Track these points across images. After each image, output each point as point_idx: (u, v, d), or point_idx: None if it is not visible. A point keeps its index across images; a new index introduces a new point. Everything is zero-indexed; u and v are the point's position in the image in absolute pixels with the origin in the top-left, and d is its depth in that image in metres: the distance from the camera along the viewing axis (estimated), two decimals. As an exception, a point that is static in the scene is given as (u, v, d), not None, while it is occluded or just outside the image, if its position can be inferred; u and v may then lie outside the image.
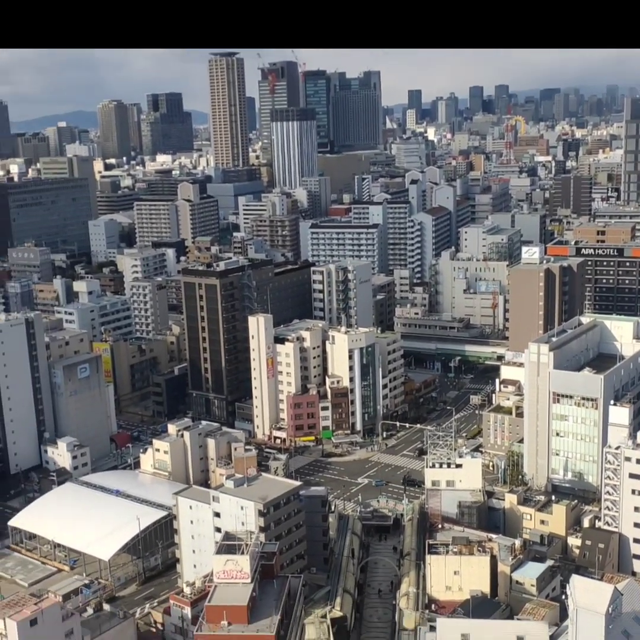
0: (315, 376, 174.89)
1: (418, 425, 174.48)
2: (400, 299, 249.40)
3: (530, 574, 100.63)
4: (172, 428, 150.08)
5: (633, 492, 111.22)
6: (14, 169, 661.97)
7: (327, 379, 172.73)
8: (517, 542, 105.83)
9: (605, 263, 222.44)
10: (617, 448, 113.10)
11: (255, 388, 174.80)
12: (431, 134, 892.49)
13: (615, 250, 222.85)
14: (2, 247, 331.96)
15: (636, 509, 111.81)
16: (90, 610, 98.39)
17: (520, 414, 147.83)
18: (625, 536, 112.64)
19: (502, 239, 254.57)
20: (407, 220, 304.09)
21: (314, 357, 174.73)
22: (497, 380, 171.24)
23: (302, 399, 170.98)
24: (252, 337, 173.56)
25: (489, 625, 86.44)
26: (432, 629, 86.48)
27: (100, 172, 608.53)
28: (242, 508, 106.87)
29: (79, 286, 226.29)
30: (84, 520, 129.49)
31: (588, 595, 73.34)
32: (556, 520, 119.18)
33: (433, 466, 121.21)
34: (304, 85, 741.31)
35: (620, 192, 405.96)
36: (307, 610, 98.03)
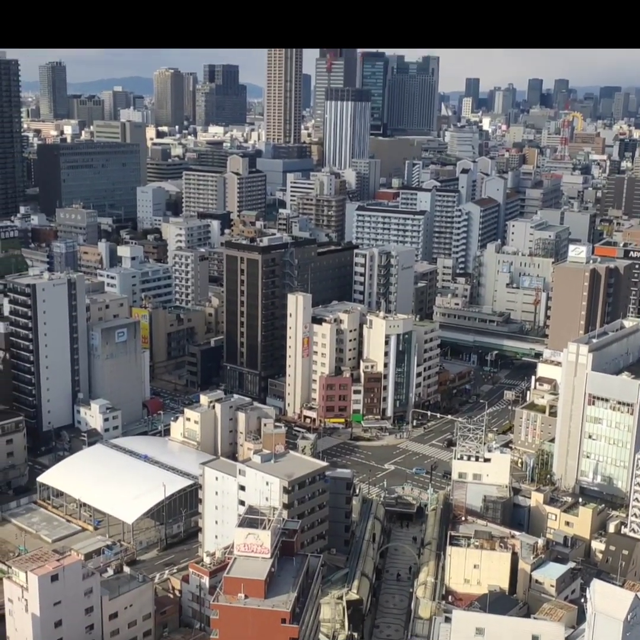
0: (349, 359, 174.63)
1: (449, 416, 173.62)
2: (442, 288, 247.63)
3: (550, 574, 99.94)
4: (204, 399, 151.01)
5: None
6: (68, 130, 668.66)
7: (361, 362, 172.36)
8: (540, 542, 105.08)
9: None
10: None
11: (289, 366, 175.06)
12: (486, 124, 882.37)
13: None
14: (50, 206, 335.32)
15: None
16: (110, 571, 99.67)
17: (553, 413, 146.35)
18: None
19: (550, 236, 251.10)
20: (455, 209, 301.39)
21: (350, 340, 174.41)
22: (533, 378, 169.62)
23: (335, 380, 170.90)
24: (290, 315, 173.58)
25: (504, 622, 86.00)
26: (448, 620, 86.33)
27: (152, 139, 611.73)
28: (267, 483, 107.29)
29: (123, 251, 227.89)
30: (110, 482, 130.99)
31: (608, 601, 72.56)
32: (581, 522, 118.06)
33: (461, 458, 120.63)
34: (362, 65, 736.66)
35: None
36: (324, 591, 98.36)
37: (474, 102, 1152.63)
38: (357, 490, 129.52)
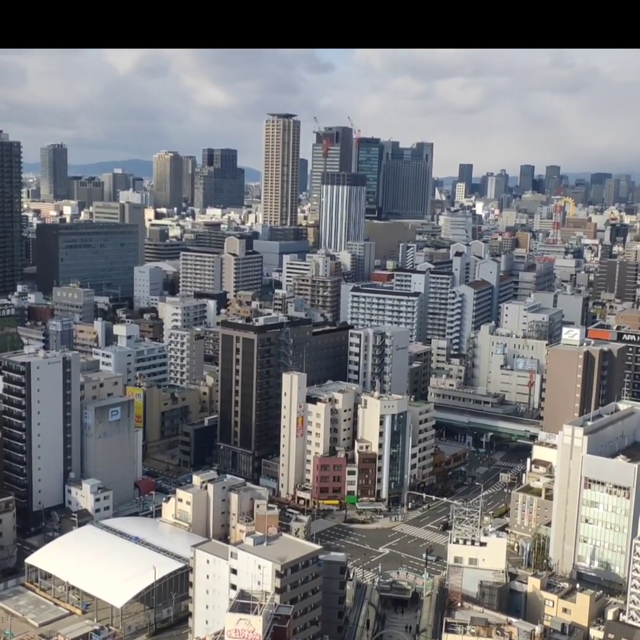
0: (344, 439, 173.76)
1: (445, 499, 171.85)
2: (436, 369, 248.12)
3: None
4: (196, 479, 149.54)
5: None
6: (67, 210, 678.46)
7: (356, 443, 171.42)
8: (537, 629, 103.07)
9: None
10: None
11: (283, 446, 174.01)
12: (479, 208, 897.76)
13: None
14: (48, 285, 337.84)
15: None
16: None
17: (549, 497, 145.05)
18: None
19: (543, 318, 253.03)
20: (449, 291, 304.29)
21: (345, 420, 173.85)
22: (528, 460, 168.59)
23: (330, 461, 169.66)
24: (285, 394, 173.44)
25: None
26: None
27: (150, 220, 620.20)
28: (259, 567, 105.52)
29: (119, 330, 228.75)
30: (100, 564, 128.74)
31: (608, 692, 70.90)
32: (579, 609, 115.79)
33: (457, 542, 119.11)
34: (357, 151, 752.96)
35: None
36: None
37: (467, 187, 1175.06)
38: (351, 575, 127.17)
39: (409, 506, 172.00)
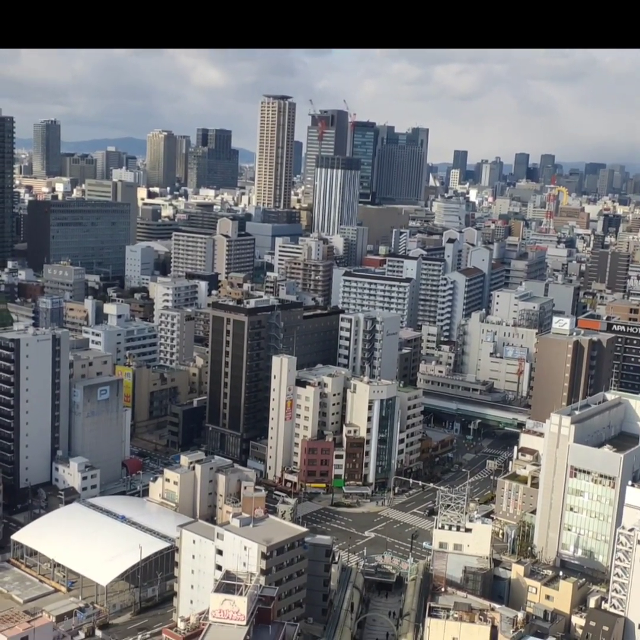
0: (332, 423, 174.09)
1: (431, 485, 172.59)
2: (426, 356, 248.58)
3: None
4: (184, 459, 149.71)
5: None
6: (60, 187, 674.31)
7: (344, 427, 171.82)
8: (520, 615, 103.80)
9: (635, 342, 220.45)
10: (631, 530, 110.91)
11: (272, 428, 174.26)
12: (473, 195, 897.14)
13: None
14: (38, 262, 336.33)
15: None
16: (82, 635, 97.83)
17: (535, 485, 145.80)
18: (631, 621, 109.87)
19: (534, 307, 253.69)
20: (441, 278, 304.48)
21: (334, 404, 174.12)
22: (515, 448, 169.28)
23: (317, 444, 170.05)
24: (274, 377, 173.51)
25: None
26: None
27: (143, 199, 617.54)
28: (245, 548, 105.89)
29: (109, 309, 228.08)
30: (86, 542, 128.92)
31: (588, 678, 71.53)
32: (562, 596, 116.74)
33: (442, 528, 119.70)
34: (352, 135, 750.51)
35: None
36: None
37: (462, 174, 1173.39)
38: (337, 558, 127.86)
39: (396, 491, 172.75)
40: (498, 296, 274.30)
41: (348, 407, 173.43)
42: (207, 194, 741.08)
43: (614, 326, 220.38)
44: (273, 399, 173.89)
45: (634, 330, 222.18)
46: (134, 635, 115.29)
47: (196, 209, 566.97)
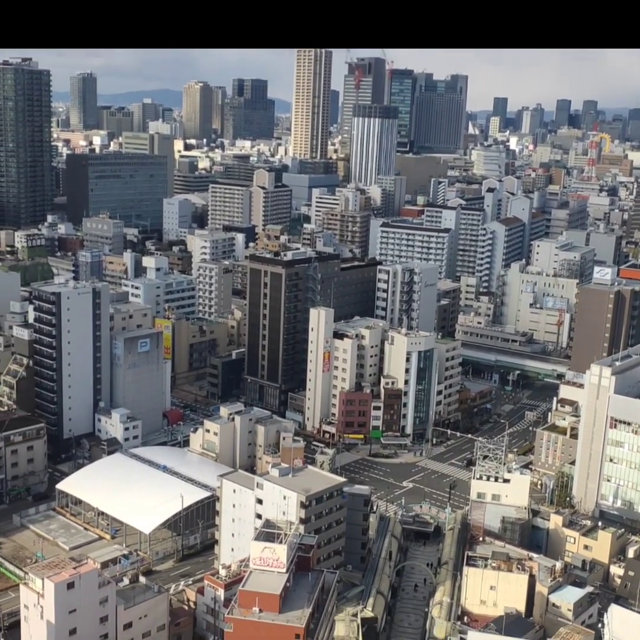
0: (370, 375, 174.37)
1: (469, 436, 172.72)
2: (464, 307, 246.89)
3: (568, 598, 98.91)
4: (224, 411, 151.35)
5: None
6: (97, 140, 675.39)
7: (382, 378, 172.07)
8: (558, 565, 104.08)
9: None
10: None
11: (310, 380, 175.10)
12: (513, 143, 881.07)
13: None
14: (78, 216, 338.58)
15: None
16: (126, 581, 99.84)
17: (574, 436, 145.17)
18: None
19: (575, 257, 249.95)
20: (480, 228, 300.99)
21: (371, 356, 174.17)
22: (554, 399, 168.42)
23: (355, 396, 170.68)
24: (312, 329, 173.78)
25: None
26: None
27: (179, 151, 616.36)
28: (284, 497, 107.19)
29: (148, 262, 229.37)
30: (129, 491, 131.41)
31: (625, 627, 71.81)
32: (600, 547, 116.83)
33: (480, 478, 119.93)
34: (390, 83, 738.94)
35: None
36: (339, 607, 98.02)
37: (502, 122, 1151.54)
38: (375, 508, 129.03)
39: (434, 442, 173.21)
40: (538, 246, 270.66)
41: (385, 359, 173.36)
42: (244, 145, 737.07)
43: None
44: (311, 351, 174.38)
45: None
46: (177, 581, 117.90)
47: (233, 161, 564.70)
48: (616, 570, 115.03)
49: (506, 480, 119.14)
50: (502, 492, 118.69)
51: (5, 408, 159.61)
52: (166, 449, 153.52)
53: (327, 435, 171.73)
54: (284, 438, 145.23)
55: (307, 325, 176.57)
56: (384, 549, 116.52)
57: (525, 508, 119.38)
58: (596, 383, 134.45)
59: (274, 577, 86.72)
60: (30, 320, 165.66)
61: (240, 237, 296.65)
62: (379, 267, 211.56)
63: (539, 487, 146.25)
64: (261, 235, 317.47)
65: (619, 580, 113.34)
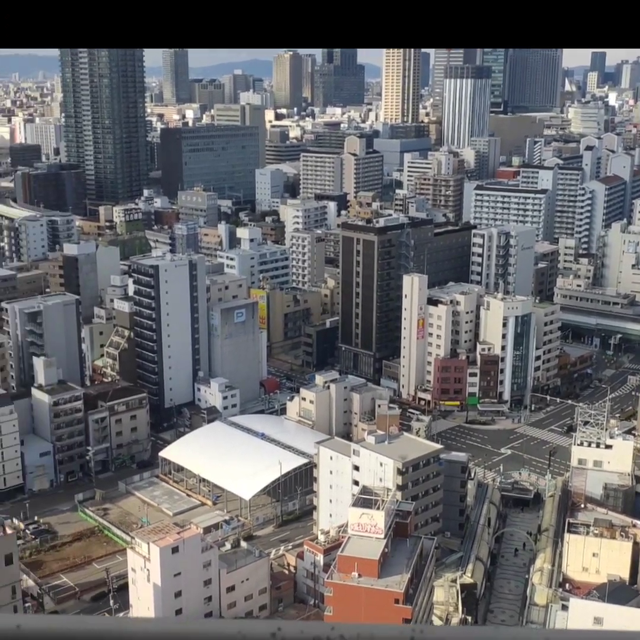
0: (466, 341, 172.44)
1: (569, 401, 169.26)
2: (563, 270, 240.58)
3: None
4: (319, 379, 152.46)
5: None
6: (190, 114, 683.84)
7: (477, 345, 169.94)
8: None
9: None
10: None
11: (404, 348, 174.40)
12: (612, 99, 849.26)
13: None
14: (173, 189, 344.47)
15: None
16: (228, 545, 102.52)
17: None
18: None
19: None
20: (579, 187, 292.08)
21: (467, 322, 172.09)
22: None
23: (451, 362, 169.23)
24: (406, 296, 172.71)
25: (624, 612, 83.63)
26: (564, 608, 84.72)
27: (270, 121, 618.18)
28: (381, 464, 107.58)
29: (242, 233, 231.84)
30: (229, 458, 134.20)
31: None
32: None
33: (581, 444, 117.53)
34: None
35: None
36: (437, 573, 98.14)
37: (600, 77, 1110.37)
38: (473, 474, 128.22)
39: (532, 408, 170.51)
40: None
41: (481, 324, 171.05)
42: (334, 113, 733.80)
43: None
44: (404, 319, 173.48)
45: None
46: (277, 546, 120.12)
47: (323, 129, 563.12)
48: None
49: (608, 447, 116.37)
50: (604, 458, 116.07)
51: (109, 379, 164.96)
52: (264, 417, 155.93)
53: (422, 403, 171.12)
54: (379, 405, 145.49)
55: (400, 292, 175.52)
56: (483, 516, 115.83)
57: (628, 474, 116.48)
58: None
59: (372, 543, 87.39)
60: (130, 293, 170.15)
61: (332, 206, 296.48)
62: (473, 231, 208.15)
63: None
64: (353, 203, 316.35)
65: None
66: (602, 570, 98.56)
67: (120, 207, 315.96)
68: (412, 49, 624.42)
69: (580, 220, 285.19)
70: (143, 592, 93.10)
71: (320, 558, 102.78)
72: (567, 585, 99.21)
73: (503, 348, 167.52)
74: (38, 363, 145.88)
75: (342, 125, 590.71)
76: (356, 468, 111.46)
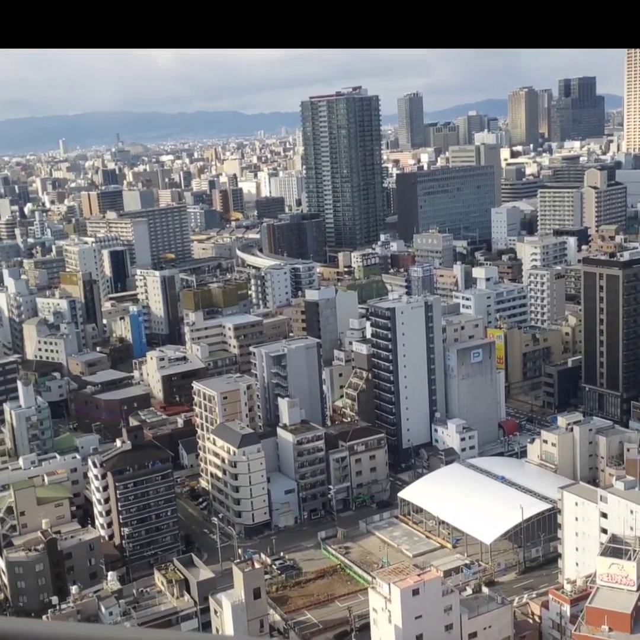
0: None
1: None
2: None
3: None
4: (561, 421, 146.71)
5: None
6: (425, 157, 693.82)
7: None
8: None
9: None
10: None
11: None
12: None
13: None
14: (408, 233, 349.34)
15: None
16: (469, 590, 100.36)
17: None
18: None
19: None
20: None
21: None
22: None
23: None
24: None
25: None
26: None
27: (506, 159, 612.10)
28: (631, 512, 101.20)
29: (478, 272, 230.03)
30: (468, 501, 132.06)
31: None
32: None
33: None
34: None
35: None
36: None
37: None
38: None
39: None
40: None
41: None
42: (572, 146, 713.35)
43: None
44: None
45: None
46: (520, 594, 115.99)
47: (561, 163, 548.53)
48: None
49: None
50: None
51: (348, 419, 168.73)
52: (503, 460, 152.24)
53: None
54: (628, 449, 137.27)
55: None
56: None
57: None
58: None
59: (623, 595, 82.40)
60: (368, 335, 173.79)
61: (571, 241, 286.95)
62: None
63: None
64: (594, 237, 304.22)
65: None
66: None
67: (358, 253, 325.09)
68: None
69: None
70: (385, 633, 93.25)
71: (567, 608, 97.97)
72: None
73: None
74: (283, 404, 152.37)
75: (581, 158, 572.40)
76: (604, 515, 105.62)
